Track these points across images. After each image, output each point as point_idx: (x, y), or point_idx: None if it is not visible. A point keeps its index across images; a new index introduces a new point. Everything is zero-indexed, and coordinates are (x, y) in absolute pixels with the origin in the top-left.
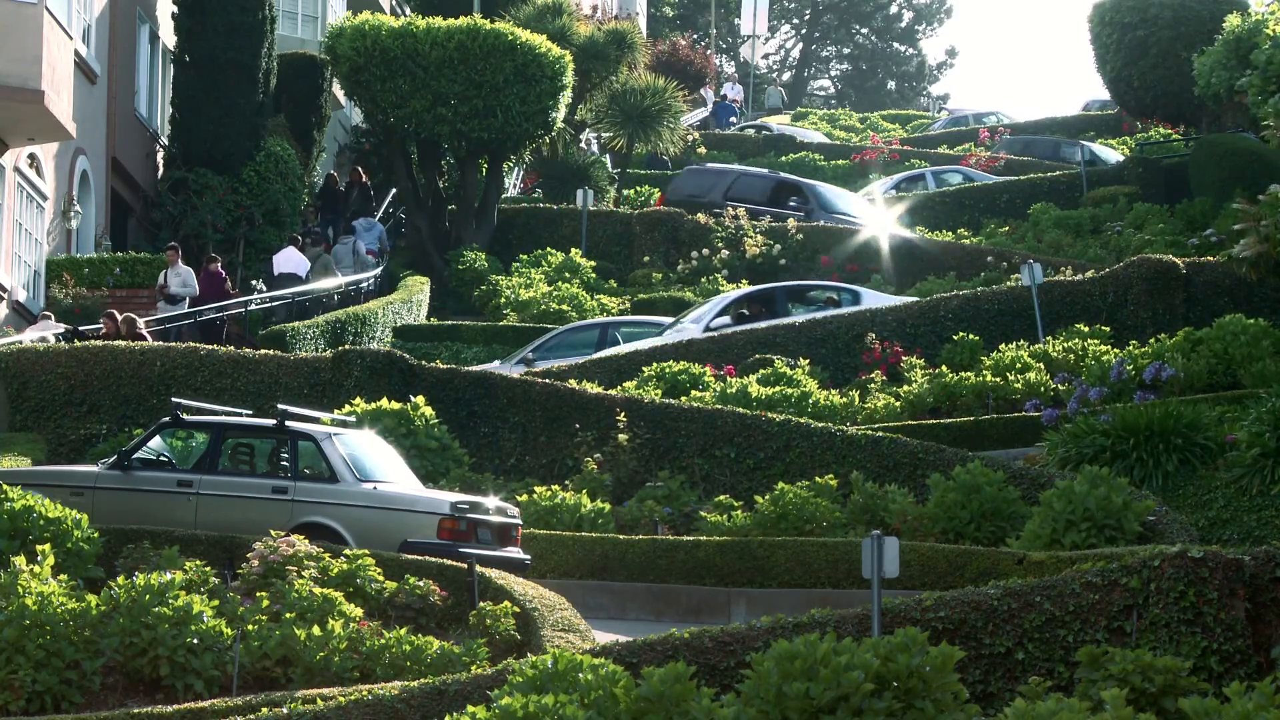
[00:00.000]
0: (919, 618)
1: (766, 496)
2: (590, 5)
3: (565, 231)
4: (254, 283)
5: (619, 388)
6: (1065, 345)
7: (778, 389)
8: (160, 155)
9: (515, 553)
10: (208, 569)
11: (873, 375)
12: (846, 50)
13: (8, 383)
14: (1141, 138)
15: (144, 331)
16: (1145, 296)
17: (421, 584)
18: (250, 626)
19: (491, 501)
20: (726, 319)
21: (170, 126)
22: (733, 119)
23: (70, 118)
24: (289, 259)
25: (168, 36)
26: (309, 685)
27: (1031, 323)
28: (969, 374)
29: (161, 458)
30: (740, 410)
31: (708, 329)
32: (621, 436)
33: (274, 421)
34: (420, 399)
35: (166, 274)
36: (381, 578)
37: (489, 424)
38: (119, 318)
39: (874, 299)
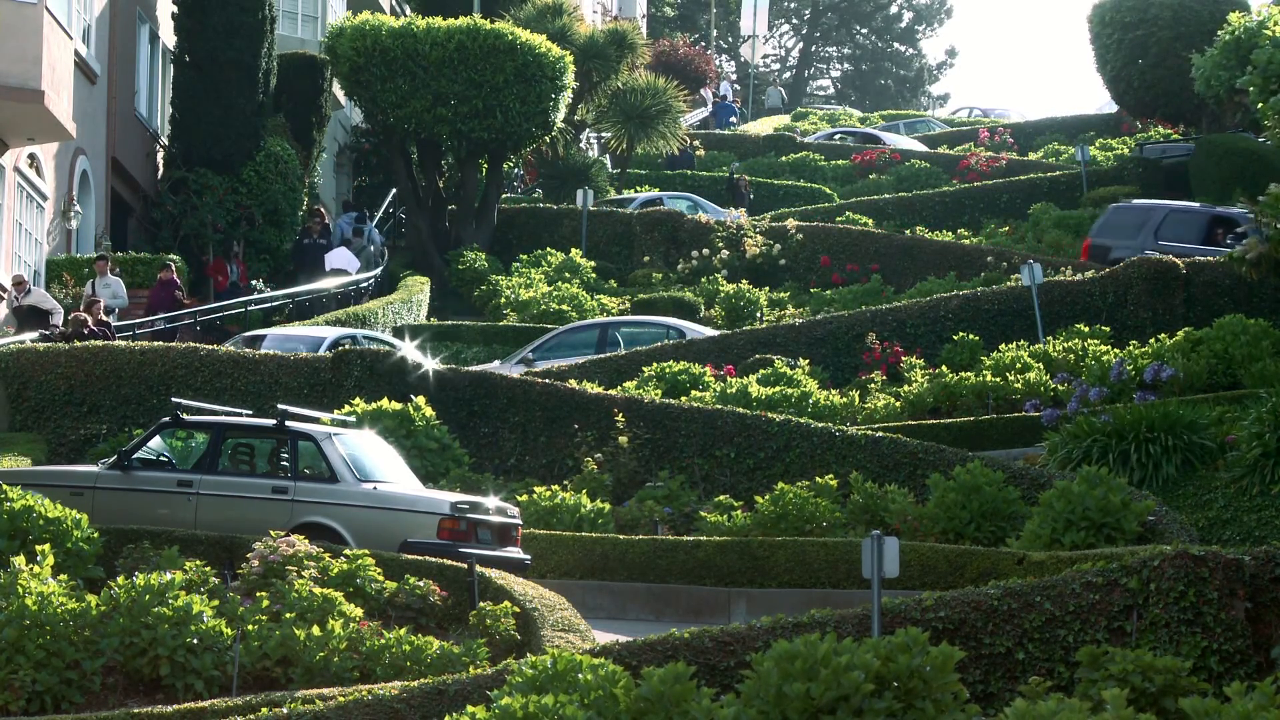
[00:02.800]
0: (919, 618)
1: (766, 496)
2: (590, 6)
3: (565, 231)
4: (254, 283)
5: (619, 388)
6: (1065, 345)
7: (778, 389)
8: (160, 155)
9: (515, 553)
10: (208, 569)
11: (873, 375)
12: (846, 50)
13: (8, 383)
14: (1141, 138)
15: (87, 331)
16: (1145, 296)
17: (421, 584)
18: (250, 626)
19: (491, 501)
20: None
21: (170, 126)
22: (733, 119)
23: (70, 118)
24: (340, 256)
25: (168, 36)
26: (309, 685)
27: (1031, 323)
28: (969, 374)
29: (161, 458)
30: (740, 410)
31: None
32: (621, 437)
33: (274, 421)
34: (420, 399)
35: (94, 284)
36: (381, 578)
37: (489, 424)
38: (79, 317)
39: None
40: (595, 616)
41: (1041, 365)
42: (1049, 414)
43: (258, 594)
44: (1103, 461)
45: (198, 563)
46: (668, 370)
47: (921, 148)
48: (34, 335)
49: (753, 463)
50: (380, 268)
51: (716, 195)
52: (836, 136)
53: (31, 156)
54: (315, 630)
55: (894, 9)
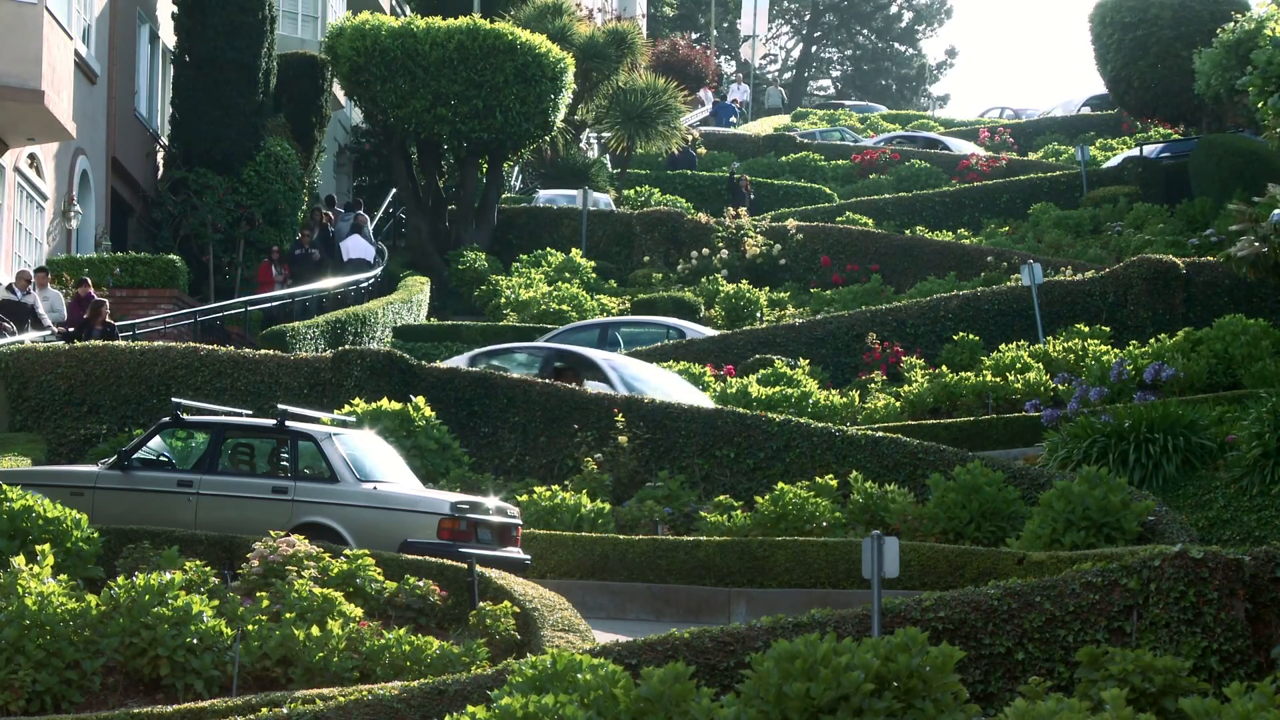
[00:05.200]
0: (919, 618)
1: (766, 496)
2: (590, 5)
3: (565, 231)
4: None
5: None
6: (1065, 345)
7: (778, 389)
8: (160, 155)
9: (515, 553)
10: (208, 569)
11: (873, 375)
12: (847, 50)
13: (8, 383)
14: (1141, 138)
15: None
16: (1145, 296)
17: (421, 584)
18: (250, 626)
19: (491, 501)
20: None
21: (170, 126)
22: (733, 119)
23: (70, 118)
24: (357, 245)
25: (168, 36)
26: (309, 685)
27: (1031, 323)
28: (969, 374)
29: (161, 458)
30: (740, 410)
31: None
32: (621, 437)
33: (274, 421)
34: (420, 399)
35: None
36: (381, 578)
37: (489, 424)
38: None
39: None
40: (595, 616)
41: (1041, 365)
42: (1049, 414)
43: (258, 594)
44: (1103, 461)
45: (198, 563)
46: (668, 370)
47: (982, 151)
48: (34, 335)
49: (753, 463)
50: (380, 268)
51: (717, 195)
52: (895, 141)
53: (31, 156)
54: (315, 630)
55: (894, 9)
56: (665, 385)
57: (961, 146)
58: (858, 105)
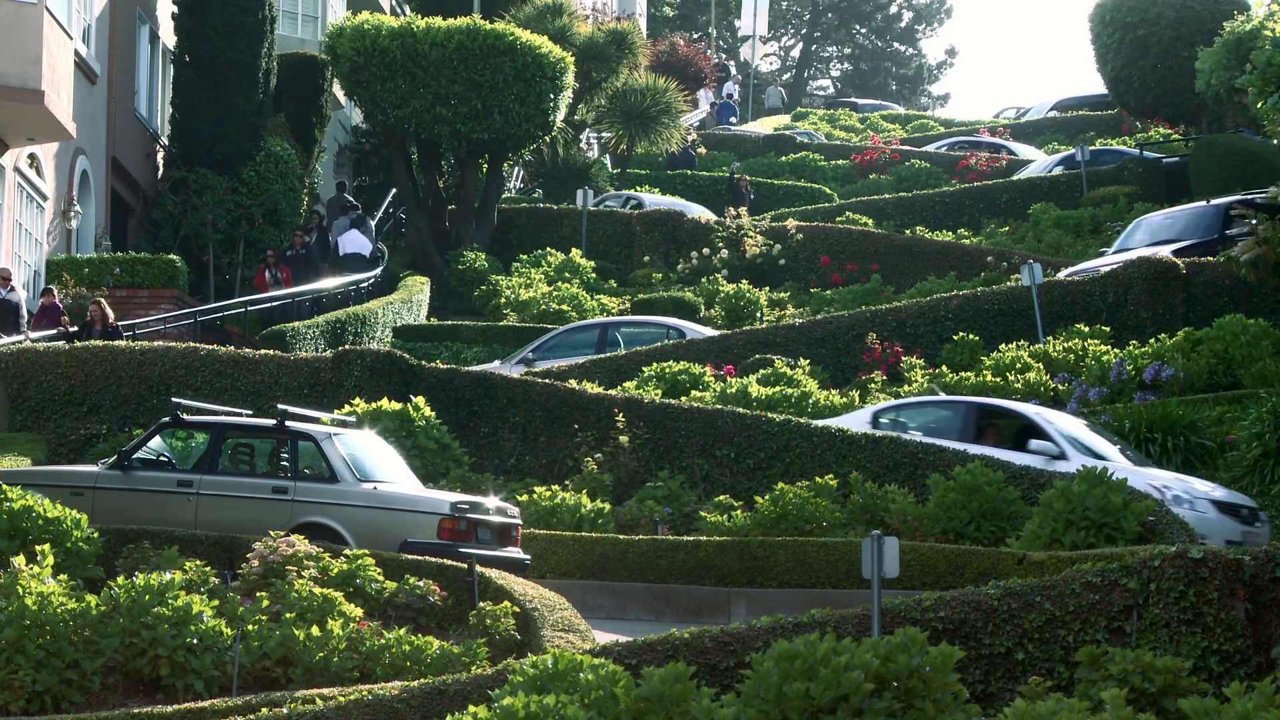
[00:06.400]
0: (919, 618)
1: (766, 496)
2: (590, 5)
3: (565, 231)
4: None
5: (619, 388)
6: (1065, 345)
7: (778, 389)
8: (160, 155)
9: (515, 553)
10: (208, 569)
11: (873, 375)
12: (846, 50)
13: (8, 383)
14: (1141, 138)
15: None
16: (1145, 296)
17: (421, 584)
18: (250, 626)
19: (491, 501)
20: None
21: (170, 126)
22: (733, 118)
23: (70, 118)
24: (353, 239)
25: (168, 36)
26: (309, 685)
27: (1031, 323)
28: (969, 374)
29: (161, 458)
30: (740, 410)
31: None
32: (621, 437)
33: (274, 421)
34: (420, 399)
35: None
36: (381, 578)
37: (489, 424)
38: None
39: None
40: (595, 616)
41: (1041, 365)
42: None
43: (258, 594)
44: None
45: (198, 563)
46: (668, 370)
47: (1045, 157)
48: (37, 335)
49: (753, 463)
50: (380, 267)
51: (717, 195)
52: (958, 146)
53: (31, 156)
54: (315, 630)
55: (894, 9)
56: (1111, 454)
57: (1024, 150)
58: (869, 104)
